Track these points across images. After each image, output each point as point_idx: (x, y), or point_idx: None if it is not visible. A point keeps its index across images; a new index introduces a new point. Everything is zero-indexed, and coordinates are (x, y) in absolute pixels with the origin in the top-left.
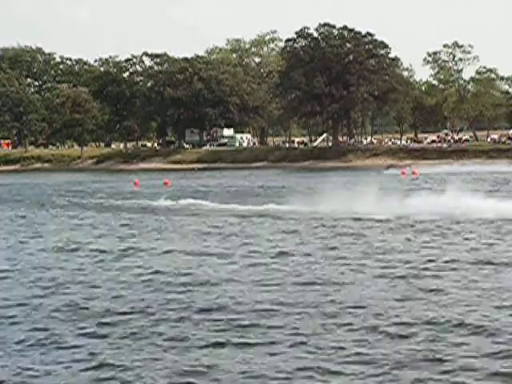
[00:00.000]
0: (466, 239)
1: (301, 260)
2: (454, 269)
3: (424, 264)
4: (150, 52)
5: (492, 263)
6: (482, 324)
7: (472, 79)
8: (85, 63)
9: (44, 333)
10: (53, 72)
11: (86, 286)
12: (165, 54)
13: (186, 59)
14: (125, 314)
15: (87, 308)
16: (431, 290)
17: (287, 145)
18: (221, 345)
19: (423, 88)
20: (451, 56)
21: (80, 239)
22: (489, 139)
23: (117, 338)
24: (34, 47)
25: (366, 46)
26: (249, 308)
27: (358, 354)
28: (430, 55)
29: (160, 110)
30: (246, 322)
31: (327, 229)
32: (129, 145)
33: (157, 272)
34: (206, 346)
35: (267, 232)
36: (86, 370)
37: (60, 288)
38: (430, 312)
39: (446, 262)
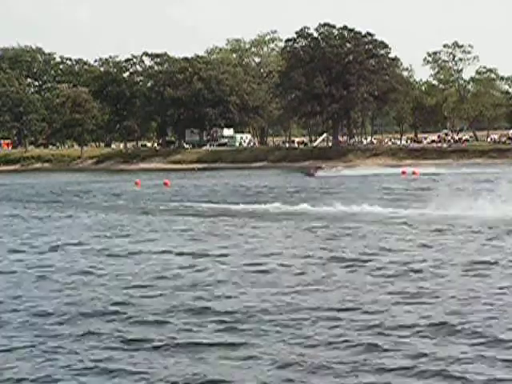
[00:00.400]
0: (464, 240)
1: (299, 261)
2: (447, 271)
3: (418, 264)
4: (150, 52)
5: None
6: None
7: (472, 79)
8: (85, 63)
9: (29, 333)
10: (53, 72)
11: (78, 285)
12: (165, 54)
13: (186, 59)
14: (110, 314)
15: (76, 308)
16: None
17: (287, 145)
18: (211, 346)
19: (423, 88)
20: (451, 56)
21: (76, 239)
22: (489, 139)
23: (102, 339)
24: (34, 47)
25: (366, 46)
26: (245, 310)
27: (356, 354)
28: (430, 55)
29: (160, 110)
30: (242, 325)
31: (322, 229)
32: (129, 145)
33: (152, 272)
34: (196, 347)
35: (265, 233)
36: (75, 371)
37: (52, 288)
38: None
39: (442, 263)
